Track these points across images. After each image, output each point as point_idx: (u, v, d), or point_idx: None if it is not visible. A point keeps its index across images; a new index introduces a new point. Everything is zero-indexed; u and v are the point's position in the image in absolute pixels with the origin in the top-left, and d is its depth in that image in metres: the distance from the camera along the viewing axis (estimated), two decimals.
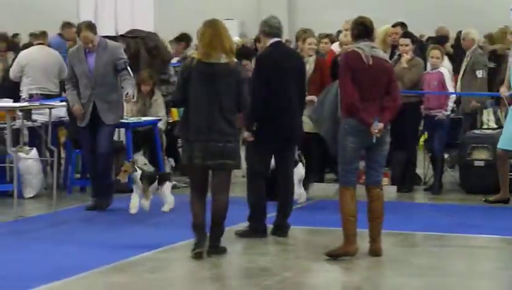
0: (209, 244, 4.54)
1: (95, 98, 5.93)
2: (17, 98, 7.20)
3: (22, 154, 6.78)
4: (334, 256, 4.49)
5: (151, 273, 4.42)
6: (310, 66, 6.72)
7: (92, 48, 5.92)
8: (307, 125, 5.94)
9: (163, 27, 10.02)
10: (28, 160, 6.89)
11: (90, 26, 5.97)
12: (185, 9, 14.38)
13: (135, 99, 6.14)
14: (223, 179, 4.61)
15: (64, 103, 7.08)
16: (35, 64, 7.70)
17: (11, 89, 7.81)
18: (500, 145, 6.46)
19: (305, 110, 5.68)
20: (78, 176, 7.49)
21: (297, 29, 9.24)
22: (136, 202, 5.73)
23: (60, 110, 7.19)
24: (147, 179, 5.86)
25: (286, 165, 5.36)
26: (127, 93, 6.01)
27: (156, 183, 5.92)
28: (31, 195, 6.94)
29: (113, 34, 8.67)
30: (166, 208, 5.98)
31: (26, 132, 7.48)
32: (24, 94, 7.41)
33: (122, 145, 7.30)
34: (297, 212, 5.69)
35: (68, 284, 4.16)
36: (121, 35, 8.31)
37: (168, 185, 6.02)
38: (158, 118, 7.62)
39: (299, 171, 6.19)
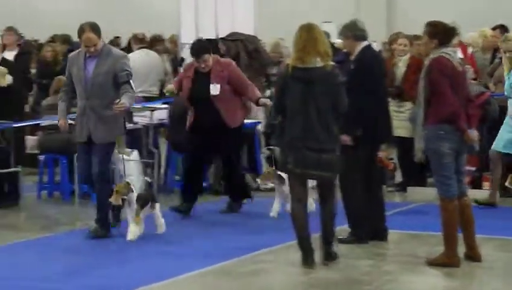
0: (323, 251, 4.38)
1: (89, 110, 5.00)
2: None
3: (123, 156, 6.61)
4: (435, 265, 4.36)
5: (252, 277, 4.35)
6: (402, 65, 6.71)
7: (93, 53, 4.97)
8: (406, 129, 5.96)
9: (263, 30, 9.70)
10: (129, 162, 6.75)
11: (94, 28, 4.97)
12: (284, 12, 14.11)
13: (125, 109, 5.02)
14: (324, 187, 4.47)
15: (165, 106, 7.00)
16: (138, 68, 7.58)
17: None
18: (494, 147, 6.41)
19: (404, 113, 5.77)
20: (178, 177, 7.33)
21: (396, 30, 9.02)
22: (135, 228, 5.01)
23: (160, 113, 7.14)
24: (142, 200, 5.11)
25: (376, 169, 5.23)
26: (119, 101, 4.87)
27: (149, 205, 5.18)
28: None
29: (213, 36, 8.39)
30: (160, 230, 5.30)
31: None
32: None
33: None
34: (396, 217, 5.71)
35: (168, 286, 4.13)
36: (221, 38, 8.12)
37: (158, 207, 5.31)
38: (257, 120, 7.50)
39: None
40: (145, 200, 5.13)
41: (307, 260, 4.28)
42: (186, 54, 8.38)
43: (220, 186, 7.06)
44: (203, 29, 8.52)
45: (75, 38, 6.66)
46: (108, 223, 5.19)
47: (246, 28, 8.71)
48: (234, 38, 8.06)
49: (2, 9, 16.30)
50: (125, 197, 4.93)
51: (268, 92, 7.97)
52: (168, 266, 4.51)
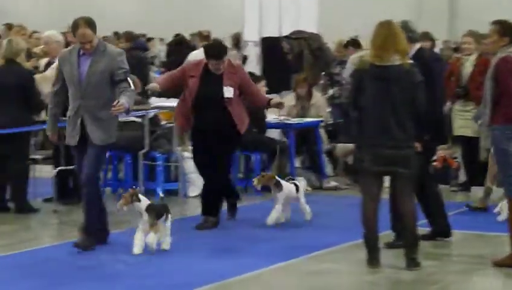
0: (406, 256, 4.23)
1: (83, 111, 4.53)
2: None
3: (186, 154, 6.66)
4: (501, 266, 4.25)
5: (316, 276, 4.28)
6: (469, 65, 6.54)
7: (89, 50, 4.53)
8: (471, 129, 5.90)
9: (327, 29, 9.57)
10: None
11: (90, 23, 4.54)
12: (347, 12, 13.87)
13: (124, 110, 4.47)
14: (401, 184, 4.31)
15: None
16: None
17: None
18: None
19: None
20: (241, 175, 7.32)
21: (458, 31, 8.83)
22: (140, 240, 4.44)
23: None
24: (155, 211, 4.55)
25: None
26: (118, 102, 4.36)
27: (164, 216, 4.59)
28: (195, 194, 6.74)
29: (276, 35, 8.33)
30: (166, 245, 4.63)
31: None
32: None
33: (285, 146, 7.10)
34: (460, 217, 5.64)
35: (239, 282, 4.09)
36: (285, 36, 8.04)
37: (169, 219, 4.69)
38: (320, 119, 7.38)
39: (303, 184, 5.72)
40: (158, 211, 4.57)
41: (373, 259, 4.21)
42: (249, 52, 8.32)
43: None
44: (266, 27, 8.42)
45: None
46: (94, 232, 4.65)
47: (310, 26, 8.55)
48: (298, 37, 8.02)
49: (65, 7, 16.77)
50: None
51: (331, 91, 7.88)
52: (231, 263, 4.47)
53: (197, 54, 7.57)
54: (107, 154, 6.74)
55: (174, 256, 4.66)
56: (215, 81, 5.30)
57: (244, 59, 8.18)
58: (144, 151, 6.13)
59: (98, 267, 4.41)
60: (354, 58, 7.06)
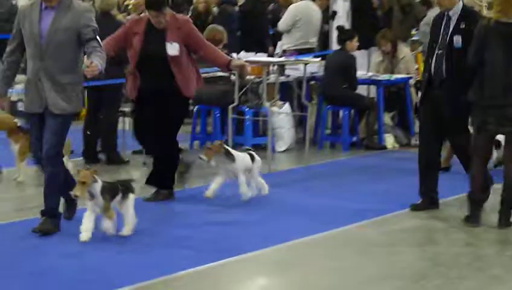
0: (500, 216, 4.14)
1: (43, 73, 3.85)
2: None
3: (275, 109, 6.59)
4: None
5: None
6: None
7: (51, 3, 3.84)
8: None
9: None
10: (281, 114, 6.69)
11: None
12: None
13: (98, 72, 3.76)
14: None
15: (317, 59, 6.83)
16: (306, 19, 7.58)
17: None
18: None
19: None
20: (329, 131, 7.20)
21: None
22: (89, 225, 3.74)
23: (312, 66, 6.94)
24: (109, 191, 3.85)
25: None
26: (91, 62, 3.70)
27: (119, 196, 3.91)
28: (283, 149, 6.76)
29: None
30: (126, 231, 3.90)
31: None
32: (278, 49, 7.37)
33: (374, 102, 6.93)
34: None
35: (325, 237, 4.10)
36: None
37: (132, 200, 3.96)
38: (409, 76, 7.11)
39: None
40: (113, 190, 3.90)
41: (473, 217, 4.16)
42: (338, 7, 8.01)
43: (372, 142, 6.86)
44: None
45: None
46: (58, 213, 4.06)
47: None
48: None
49: None
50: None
51: (420, 48, 7.50)
52: (318, 217, 4.44)
53: (300, 7, 7.80)
54: (195, 108, 6.85)
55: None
56: (159, 38, 4.62)
57: (334, 15, 7.88)
58: (233, 105, 6.03)
59: None
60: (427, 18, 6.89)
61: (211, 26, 6.98)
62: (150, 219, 4.32)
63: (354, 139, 6.88)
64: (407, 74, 7.13)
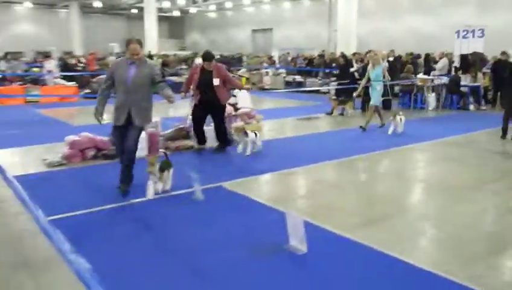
0: None
1: (130, 103, 5.78)
2: None
3: None
4: None
5: None
6: None
7: (135, 60, 5.79)
8: None
9: None
10: None
11: (139, 42, 5.86)
12: None
13: (174, 99, 5.97)
14: None
15: None
16: None
17: None
18: (373, 102, 11.06)
19: None
20: None
21: None
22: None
23: None
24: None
25: None
26: (171, 95, 5.88)
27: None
28: None
29: None
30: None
31: None
32: None
33: None
34: None
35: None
36: None
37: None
38: None
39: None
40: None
41: None
42: None
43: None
44: None
45: None
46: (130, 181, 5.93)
47: None
48: None
49: None
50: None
51: None
52: None
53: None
54: None
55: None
56: (208, 75, 8.19)
57: None
58: None
59: None
60: None
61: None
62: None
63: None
64: None
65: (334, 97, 13.99)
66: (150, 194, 5.69)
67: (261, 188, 6.45)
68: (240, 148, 8.37)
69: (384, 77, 11.08)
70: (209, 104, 8.23)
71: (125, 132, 5.81)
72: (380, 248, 4.25)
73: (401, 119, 10.43)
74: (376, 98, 11.03)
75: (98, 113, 5.87)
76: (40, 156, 7.98)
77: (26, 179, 6.44)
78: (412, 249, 4.29)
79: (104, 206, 5.40)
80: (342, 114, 13.46)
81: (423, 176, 7.05)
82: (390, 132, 10.45)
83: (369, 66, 11.19)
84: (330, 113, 13.66)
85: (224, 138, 8.59)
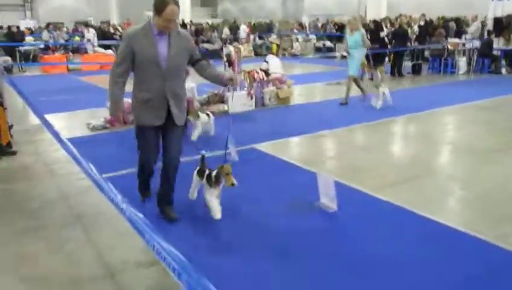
0: None
1: (168, 93, 3.75)
2: None
3: None
4: None
5: None
6: None
7: (167, 30, 3.68)
8: None
9: None
10: None
11: (177, 3, 3.65)
12: None
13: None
14: None
15: None
16: None
17: None
18: (351, 73, 9.76)
19: None
20: None
21: None
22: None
23: None
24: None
25: None
26: (229, 77, 3.99)
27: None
28: None
29: None
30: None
31: None
32: None
33: None
34: None
35: None
36: None
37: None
38: None
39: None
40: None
41: None
42: None
43: None
44: None
45: None
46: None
47: None
48: None
49: None
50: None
51: None
52: None
53: None
54: None
55: None
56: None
57: None
58: None
59: None
60: None
61: None
62: None
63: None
64: None
65: (365, 62, 13.74)
66: (195, 135, 6.61)
67: (292, 150, 6.52)
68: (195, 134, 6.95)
69: (364, 43, 9.65)
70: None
71: (161, 134, 3.94)
72: (409, 207, 4.29)
73: (384, 93, 9.07)
74: (354, 68, 9.71)
75: (119, 110, 3.82)
76: (84, 121, 8.23)
77: (73, 142, 6.68)
78: (441, 209, 4.30)
79: None
80: (371, 79, 13.27)
81: (451, 139, 6.96)
82: (378, 106, 9.03)
83: (347, 32, 9.83)
84: (360, 78, 13.45)
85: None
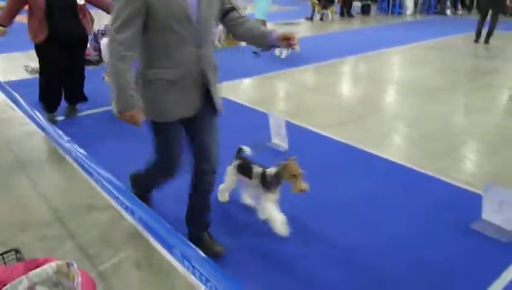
0: None
1: (205, 63, 2.37)
2: None
3: None
4: None
5: None
6: None
7: None
8: None
9: None
10: None
11: None
12: None
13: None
14: None
15: None
16: None
17: None
18: (256, 16, 8.81)
19: None
20: None
21: None
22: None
23: None
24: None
25: None
26: (285, 35, 2.35)
27: None
28: None
29: None
30: None
31: None
32: None
33: None
34: None
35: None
36: None
37: None
38: None
39: None
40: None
41: None
42: None
43: None
44: None
45: None
46: None
47: None
48: None
49: None
50: None
51: None
52: None
53: None
54: None
55: None
56: None
57: None
58: None
59: None
60: None
61: None
62: None
63: None
64: None
65: (316, 1, 13.59)
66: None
67: (244, 92, 6.48)
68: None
69: None
70: (71, 41, 4.76)
71: (184, 128, 2.53)
72: (356, 144, 4.42)
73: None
74: (260, 12, 8.68)
75: (135, 104, 2.18)
76: (22, 63, 7.78)
77: (12, 86, 6.33)
78: (387, 146, 4.47)
79: (92, 110, 5.41)
80: (321, 19, 13.21)
81: (398, 79, 7.13)
82: (283, 55, 8.38)
83: None
84: (310, 18, 13.37)
85: (82, 93, 5.29)
